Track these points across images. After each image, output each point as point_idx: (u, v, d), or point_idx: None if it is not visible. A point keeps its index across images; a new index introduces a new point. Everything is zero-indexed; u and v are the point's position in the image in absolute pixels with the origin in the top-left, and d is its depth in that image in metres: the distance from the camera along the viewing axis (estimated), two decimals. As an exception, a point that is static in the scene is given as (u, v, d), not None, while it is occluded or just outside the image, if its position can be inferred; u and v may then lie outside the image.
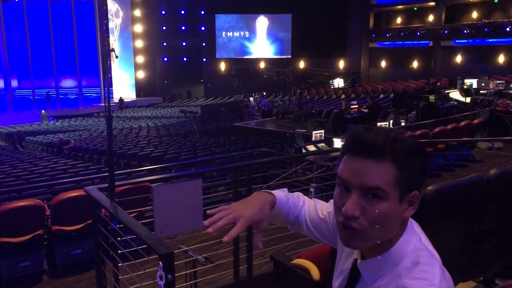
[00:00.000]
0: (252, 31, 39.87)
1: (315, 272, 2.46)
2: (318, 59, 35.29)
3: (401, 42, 34.02)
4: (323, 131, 11.02)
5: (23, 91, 36.07)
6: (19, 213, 4.83)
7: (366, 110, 16.07)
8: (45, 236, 5.18)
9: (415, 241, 1.03)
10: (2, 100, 34.74)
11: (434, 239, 1.11)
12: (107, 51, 3.13)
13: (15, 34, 35.22)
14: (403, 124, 12.42)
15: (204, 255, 3.30)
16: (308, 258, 2.57)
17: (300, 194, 1.41)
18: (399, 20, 35.64)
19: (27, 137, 20.43)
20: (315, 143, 10.29)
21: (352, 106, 16.86)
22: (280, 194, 1.33)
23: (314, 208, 1.35)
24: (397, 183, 0.96)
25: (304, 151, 9.69)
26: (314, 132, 10.83)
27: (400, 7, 34.88)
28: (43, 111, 29.45)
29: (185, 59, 39.68)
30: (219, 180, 8.47)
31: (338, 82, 18.87)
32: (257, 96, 23.91)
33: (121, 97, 34.45)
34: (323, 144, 10.35)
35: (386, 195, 0.96)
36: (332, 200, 1.28)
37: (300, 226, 1.35)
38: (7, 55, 34.33)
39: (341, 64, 37.30)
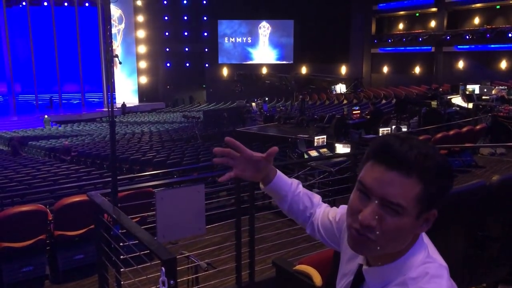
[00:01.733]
0: (255, 36, 40.00)
1: (317, 278, 2.46)
2: (320, 64, 35.36)
3: (403, 48, 34.07)
4: (325, 136, 11.01)
5: (26, 96, 36.17)
6: (21, 218, 4.84)
7: (368, 116, 16.07)
8: (48, 241, 5.18)
9: (424, 253, 1.02)
10: (5, 105, 34.88)
11: (436, 245, 1.11)
12: (111, 57, 3.15)
13: (18, 39, 35.39)
14: (405, 129, 12.42)
15: (206, 260, 3.30)
16: (310, 264, 2.57)
17: (319, 197, 1.46)
18: (401, 26, 35.71)
19: (30, 142, 20.48)
20: (317, 148, 10.28)
21: (354, 112, 16.85)
22: (285, 178, 1.42)
23: (327, 213, 1.38)
24: (419, 201, 0.94)
25: (306, 156, 9.69)
26: (316, 138, 10.82)
27: (402, 13, 34.96)
28: (46, 116, 29.54)
29: (187, 64, 39.79)
30: (221, 185, 8.46)
31: (340, 88, 18.90)
32: (259, 101, 23.94)
33: (123, 102, 34.55)
34: (325, 150, 10.34)
35: (406, 211, 0.94)
36: (341, 206, 1.30)
37: (312, 227, 1.41)
38: (11, 59, 34.48)
39: (343, 69, 37.35)
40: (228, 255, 4.14)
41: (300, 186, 1.44)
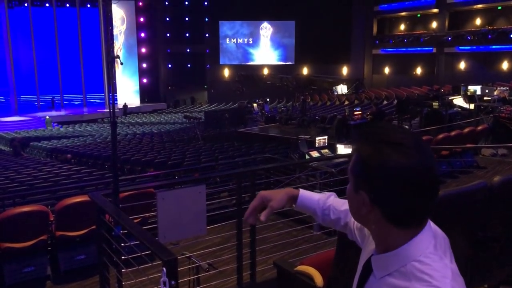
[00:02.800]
0: (256, 37, 40.03)
1: (318, 279, 2.46)
2: (321, 65, 35.35)
3: (404, 49, 34.05)
4: (326, 137, 11.00)
5: (28, 96, 36.18)
6: (23, 218, 4.85)
7: (370, 117, 16.07)
8: (49, 242, 5.19)
9: (428, 246, 1.03)
10: (7, 106, 34.88)
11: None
12: (112, 58, 3.16)
13: (20, 40, 35.45)
14: (406, 130, 12.38)
15: (207, 261, 3.30)
16: (311, 265, 2.57)
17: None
18: (402, 26, 35.69)
19: (31, 143, 20.52)
20: (318, 149, 10.27)
21: (355, 113, 16.84)
22: (309, 194, 1.55)
23: None
24: (352, 173, 1.08)
25: (307, 157, 9.68)
26: (317, 138, 10.81)
27: (403, 13, 34.95)
28: (47, 117, 29.59)
29: (189, 65, 39.84)
30: (222, 186, 8.46)
31: (342, 89, 18.88)
32: (260, 102, 23.93)
33: (125, 103, 34.59)
34: (326, 150, 10.33)
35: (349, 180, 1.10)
36: None
37: (351, 234, 1.46)
38: (13, 60, 34.53)
39: (345, 70, 37.34)
40: (229, 255, 4.14)
41: (331, 198, 1.54)
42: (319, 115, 20.63)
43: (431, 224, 1.09)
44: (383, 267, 1.06)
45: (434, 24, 32.83)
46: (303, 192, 1.54)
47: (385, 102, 27.84)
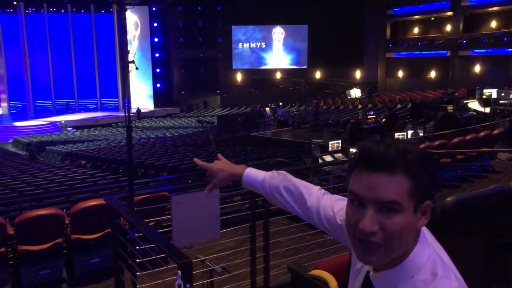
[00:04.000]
0: (269, 42, 40.12)
1: (333, 283, 2.45)
2: (334, 69, 35.27)
3: (418, 52, 33.80)
4: (339, 141, 10.97)
5: (43, 101, 36.80)
6: (40, 221, 4.92)
7: (384, 120, 15.97)
8: (64, 245, 5.24)
9: (429, 252, 1.02)
10: (23, 110, 35.52)
11: (453, 251, 1.10)
12: (127, 63, 3.20)
13: (36, 46, 36.05)
14: (421, 134, 12.30)
15: (221, 265, 3.31)
16: (325, 269, 2.56)
17: (312, 188, 1.46)
18: (416, 30, 35.44)
19: (47, 147, 20.79)
20: (332, 153, 10.24)
21: (369, 116, 16.76)
22: (254, 174, 1.57)
23: (331, 205, 1.37)
24: (411, 195, 0.96)
25: (320, 161, 9.66)
26: (330, 142, 10.78)
27: (417, 17, 34.71)
28: (62, 121, 29.97)
29: (202, 70, 40.07)
30: (235, 190, 8.48)
31: (355, 92, 18.82)
32: (273, 106, 23.96)
33: (138, 108, 34.89)
34: (339, 155, 10.30)
35: (402, 207, 0.95)
36: (336, 198, 1.36)
37: (311, 216, 1.41)
38: (29, 65, 35.11)
39: (358, 74, 37.20)
40: (243, 259, 4.14)
41: (281, 178, 1.51)
42: (332, 119, 20.56)
43: None
44: (387, 283, 1.03)
45: (448, 27, 32.54)
46: (248, 172, 1.59)
47: (399, 106, 27.62)
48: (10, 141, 26.60)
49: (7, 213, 7.26)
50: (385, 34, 35.84)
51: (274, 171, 1.55)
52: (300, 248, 4.83)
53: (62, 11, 36.59)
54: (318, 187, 1.47)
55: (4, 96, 35.08)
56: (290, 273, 2.91)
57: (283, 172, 1.54)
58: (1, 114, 34.83)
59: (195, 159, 1.80)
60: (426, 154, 1.00)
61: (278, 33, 39.93)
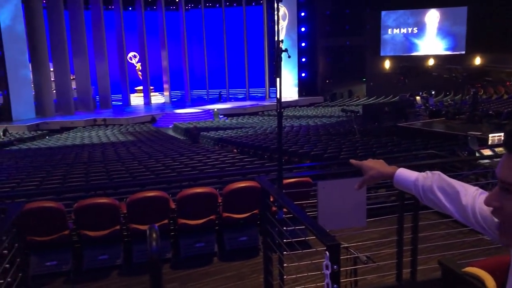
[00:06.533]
0: (421, 26, 37.65)
1: (491, 283, 2.24)
2: (497, 54, 31.52)
3: None
4: (502, 134, 9.83)
5: (198, 91, 40.51)
6: (196, 198, 5.43)
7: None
8: (216, 222, 5.70)
9: None
10: (182, 99, 39.56)
11: None
12: (281, 51, 3.32)
13: (194, 40, 39.58)
14: None
15: (365, 253, 3.27)
16: (482, 268, 2.36)
17: (469, 187, 1.40)
18: None
19: (201, 133, 22.73)
20: (492, 147, 9.24)
21: (539, 107, 14.69)
22: (406, 175, 1.54)
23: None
24: None
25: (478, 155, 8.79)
26: (491, 135, 9.73)
27: None
28: (215, 109, 32.40)
29: (347, 58, 39.48)
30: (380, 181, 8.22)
31: (523, 80, 16.63)
32: (424, 95, 22.53)
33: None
34: (501, 149, 9.24)
35: None
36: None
37: (467, 217, 1.35)
38: (187, 58, 38.69)
39: (526, 59, 32.73)
40: (388, 251, 4.03)
41: (430, 179, 1.46)
42: (493, 110, 18.52)
43: None
44: None
45: None
46: (400, 172, 1.58)
47: None
48: (170, 126, 29.66)
49: (169, 190, 8.13)
50: None
51: (427, 172, 1.51)
52: (450, 245, 4.52)
53: (217, 5, 39.39)
54: (476, 187, 1.39)
55: (166, 86, 39.34)
56: (441, 269, 2.74)
57: (437, 172, 1.49)
58: (164, 102, 39.16)
59: (351, 160, 1.80)
60: None
61: (433, 16, 37.18)
